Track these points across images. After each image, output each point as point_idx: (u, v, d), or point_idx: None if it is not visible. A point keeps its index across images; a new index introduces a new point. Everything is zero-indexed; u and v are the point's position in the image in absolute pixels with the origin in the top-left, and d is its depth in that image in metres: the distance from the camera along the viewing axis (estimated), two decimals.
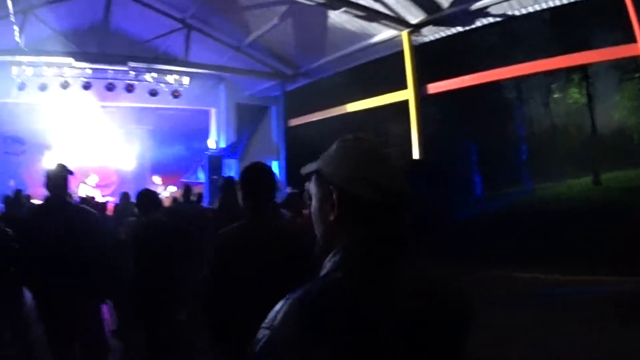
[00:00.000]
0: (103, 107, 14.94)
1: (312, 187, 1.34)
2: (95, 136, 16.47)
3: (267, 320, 1.12)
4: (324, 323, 1.05)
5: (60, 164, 4.26)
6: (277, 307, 1.12)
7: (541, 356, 4.34)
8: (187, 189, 8.23)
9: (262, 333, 1.10)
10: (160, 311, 4.51)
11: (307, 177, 1.37)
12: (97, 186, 15.73)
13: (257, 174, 2.95)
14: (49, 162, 16.05)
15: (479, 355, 1.61)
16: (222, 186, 7.13)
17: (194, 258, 4.44)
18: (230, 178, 9.16)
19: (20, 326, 4.85)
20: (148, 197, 5.05)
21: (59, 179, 4.18)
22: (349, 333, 1.04)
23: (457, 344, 1.22)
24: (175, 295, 4.57)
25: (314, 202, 1.32)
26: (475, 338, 1.28)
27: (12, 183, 14.30)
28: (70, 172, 4.22)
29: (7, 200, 7.91)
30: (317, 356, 1.02)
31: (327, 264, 1.21)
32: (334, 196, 1.22)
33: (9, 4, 9.29)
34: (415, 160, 7.13)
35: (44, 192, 11.82)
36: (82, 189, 14.82)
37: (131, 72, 13.30)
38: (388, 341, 1.07)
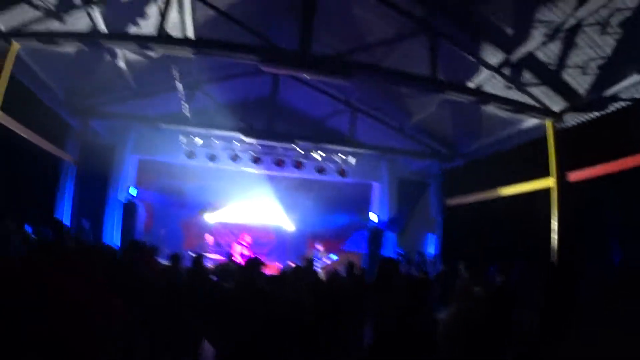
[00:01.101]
0: (269, 176, 16.20)
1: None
2: (258, 199, 17.83)
3: None
4: None
5: (253, 258, 4.91)
6: None
7: None
8: (350, 266, 8.56)
9: None
10: None
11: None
12: (252, 244, 16.83)
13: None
14: (209, 217, 17.70)
15: None
16: (380, 265, 7.77)
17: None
18: (387, 258, 9.51)
19: None
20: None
21: (251, 270, 4.80)
22: None
23: None
24: None
25: None
26: None
27: (162, 232, 16.08)
28: (262, 264, 4.86)
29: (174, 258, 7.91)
30: None
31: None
32: None
33: (179, 86, 10.50)
34: None
35: (197, 244, 13.05)
36: (235, 248, 15.93)
37: (299, 149, 14.12)
38: None
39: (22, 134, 9.56)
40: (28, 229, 8.10)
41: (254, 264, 4.82)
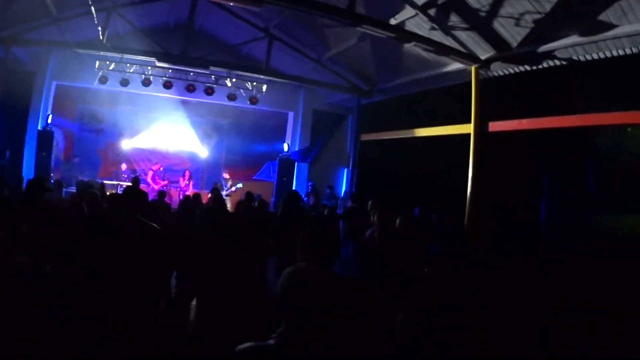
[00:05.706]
0: (184, 101, 15.73)
1: None
2: (175, 125, 17.50)
3: None
4: None
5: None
6: None
7: None
8: (249, 197, 8.67)
9: None
10: None
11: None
12: (167, 171, 16.75)
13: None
14: (125, 144, 17.35)
15: None
16: (286, 198, 7.84)
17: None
18: (294, 192, 9.43)
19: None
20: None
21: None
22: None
23: None
24: None
25: None
26: None
27: (76, 160, 15.81)
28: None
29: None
30: None
31: None
32: None
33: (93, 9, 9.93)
34: None
35: (112, 172, 12.76)
36: (150, 175, 15.80)
37: (212, 75, 13.70)
38: None
39: None
40: None
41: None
